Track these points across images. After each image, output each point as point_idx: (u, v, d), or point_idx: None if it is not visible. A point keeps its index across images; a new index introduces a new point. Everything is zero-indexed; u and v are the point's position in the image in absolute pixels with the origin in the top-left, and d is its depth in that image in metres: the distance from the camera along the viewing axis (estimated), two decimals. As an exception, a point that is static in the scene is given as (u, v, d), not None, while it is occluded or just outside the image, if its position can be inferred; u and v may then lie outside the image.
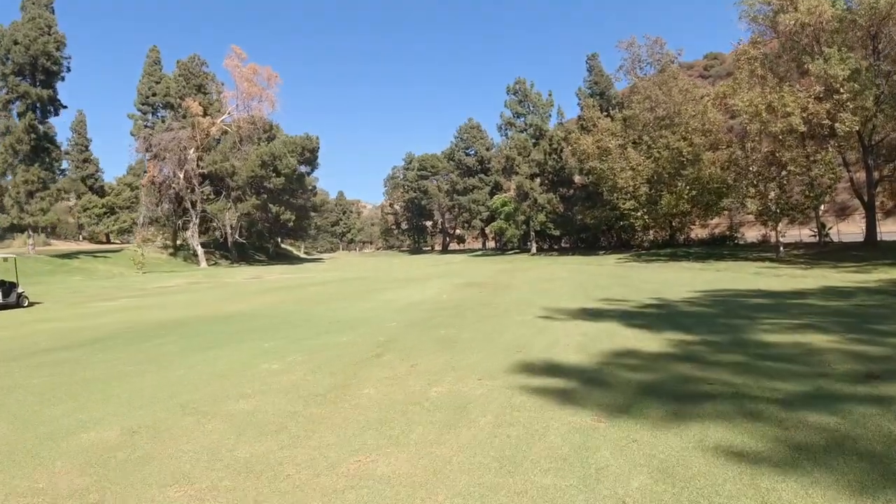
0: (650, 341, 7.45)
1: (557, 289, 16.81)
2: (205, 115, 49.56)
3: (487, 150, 78.51)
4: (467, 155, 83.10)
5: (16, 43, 34.51)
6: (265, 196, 51.52)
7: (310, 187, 67.55)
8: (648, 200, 40.09)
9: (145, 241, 38.52)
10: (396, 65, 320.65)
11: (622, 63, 44.28)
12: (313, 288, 22.09)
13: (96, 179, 66.80)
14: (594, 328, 8.76)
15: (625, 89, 51.12)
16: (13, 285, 17.12)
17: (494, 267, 35.89)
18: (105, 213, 65.31)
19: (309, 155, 55.04)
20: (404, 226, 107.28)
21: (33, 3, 35.62)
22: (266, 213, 54.00)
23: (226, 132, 52.77)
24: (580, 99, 52.83)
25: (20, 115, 35.75)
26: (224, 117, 52.80)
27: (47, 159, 36.89)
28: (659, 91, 39.51)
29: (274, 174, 50.52)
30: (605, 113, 47.62)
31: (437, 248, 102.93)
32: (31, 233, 36.23)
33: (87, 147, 68.36)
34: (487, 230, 72.81)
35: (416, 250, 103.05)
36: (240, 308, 14.75)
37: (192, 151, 48.67)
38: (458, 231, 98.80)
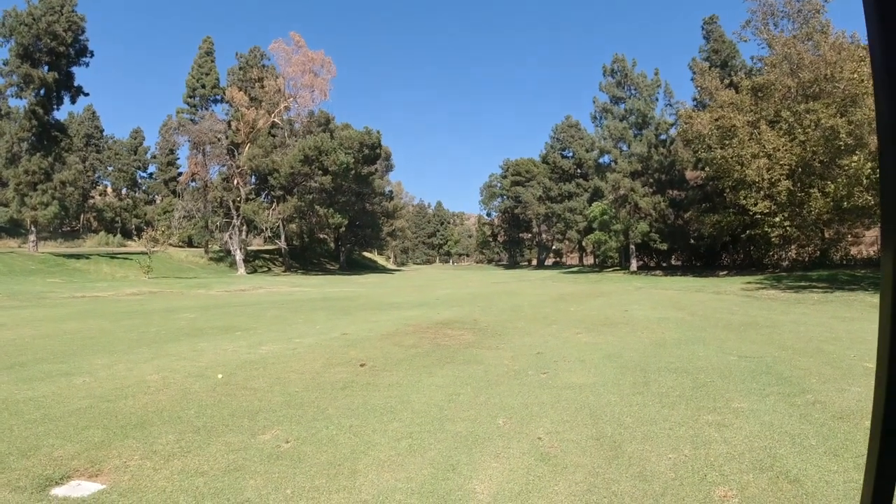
0: None
1: (595, 361, 7.20)
2: (254, 107, 44.91)
3: (587, 151, 67.30)
4: (563, 157, 72.45)
5: (22, 24, 31.36)
6: (311, 197, 45.47)
7: (383, 191, 61.35)
8: (791, 201, 27.67)
9: (153, 242, 33.62)
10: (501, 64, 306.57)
11: (750, 17, 31.83)
12: (207, 313, 14.32)
13: (178, 182, 65.88)
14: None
15: (754, 57, 38.43)
16: None
17: (542, 289, 26.03)
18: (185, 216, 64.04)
19: (368, 152, 48.06)
20: (502, 238, 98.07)
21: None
22: (316, 217, 48.05)
23: (275, 125, 47.87)
24: (694, 73, 40.53)
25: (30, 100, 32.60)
26: (279, 110, 47.89)
27: (55, 149, 33.44)
28: (802, 48, 27.12)
29: (320, 172, 44.38)
30: (727, 83, 35.25)
31: (535, 262, 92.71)
32: (32, 228, 32.79)
33: (172, 150, 67.99)
34: (584, 243, 61.54)
35: (512, 264, 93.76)
36: None
37: (231, 145, 44.28)
38: (554, 244, 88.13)
